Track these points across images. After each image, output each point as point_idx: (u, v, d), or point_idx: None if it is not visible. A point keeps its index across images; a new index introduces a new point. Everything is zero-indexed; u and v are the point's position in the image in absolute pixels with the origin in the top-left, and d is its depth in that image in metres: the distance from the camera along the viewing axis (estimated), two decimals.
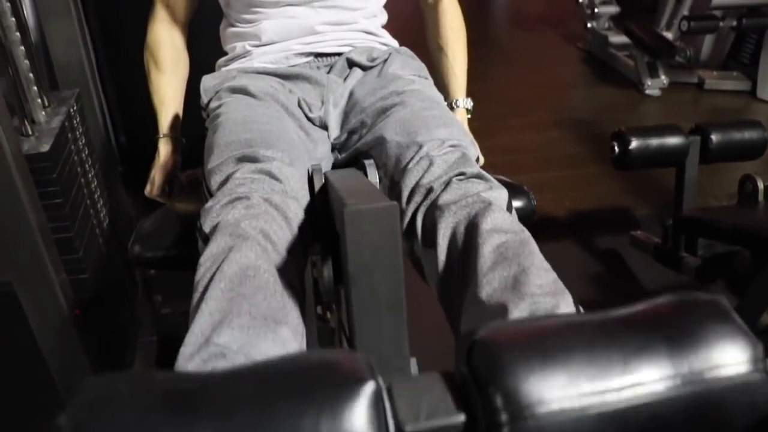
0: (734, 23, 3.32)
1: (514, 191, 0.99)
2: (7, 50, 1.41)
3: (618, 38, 3.91)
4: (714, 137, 1.93)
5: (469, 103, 1.35)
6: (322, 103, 1.16)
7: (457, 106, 1.34)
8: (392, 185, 0.97)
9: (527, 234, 0.82)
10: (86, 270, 1.55)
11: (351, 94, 1.18)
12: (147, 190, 1.22)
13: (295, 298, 0.77)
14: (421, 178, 0.92)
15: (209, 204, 0.86)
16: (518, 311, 0.71)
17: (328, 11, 1.21)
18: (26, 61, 1.46)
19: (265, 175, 0.89)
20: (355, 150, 1.10)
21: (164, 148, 1.24)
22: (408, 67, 1.21)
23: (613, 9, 4.04)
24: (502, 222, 0.82)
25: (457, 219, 0.85)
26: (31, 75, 1.47)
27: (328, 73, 1.21)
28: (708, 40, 3.83)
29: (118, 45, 2.09)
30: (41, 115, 1.48)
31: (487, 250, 0.78)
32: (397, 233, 0.65)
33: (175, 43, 1.29)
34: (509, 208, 0.90)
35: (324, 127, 1.16)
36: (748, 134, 1.97)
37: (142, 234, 1.05)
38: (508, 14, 5.17)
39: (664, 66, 3.63)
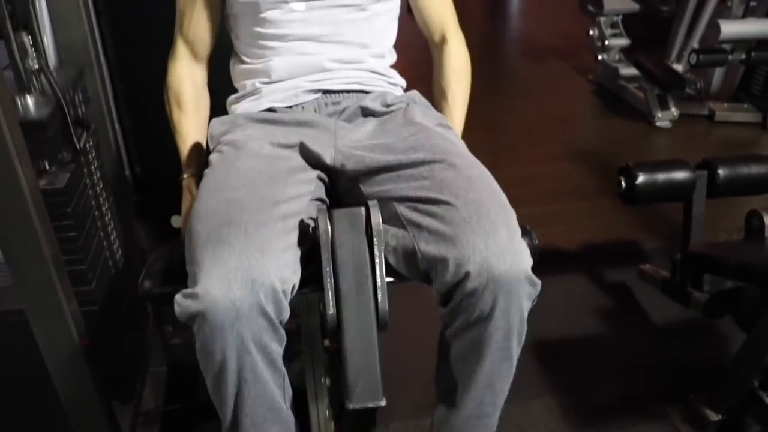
0: (743, 56, 3.33)
1: None
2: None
3: (628, 70, 3.94)
4: (721, 172, 1.94)
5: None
6: (333, 146, 1.17)
7: None
8: (429, 259, 1.01)
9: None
10: (97, 302, 1.57)
11: (370, 138, 1.19)
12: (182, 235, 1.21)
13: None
14: (460, 285, 0.98)
15: (188, 290, 0.93)
16: None
17: (336, 47, 1.24)
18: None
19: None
20: (368, 194, 1.12)
21: (191, 188, 1.26)
22: (429, 117, 1.23)
23: (623, 41, 4.08)
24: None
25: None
26: None
27: (339, 116, 1.24)
28: (718, 73, 3.84)
29: (133, 74, 2.13)
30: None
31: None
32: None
33: (196, 81, 1.32)
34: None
35: (331, 166, 1.17)
36: (755, 169, 1.97)
37: (152, 270, 1.07)
38: (520, 46, 5.22)
39: (674, 98, 3.65)
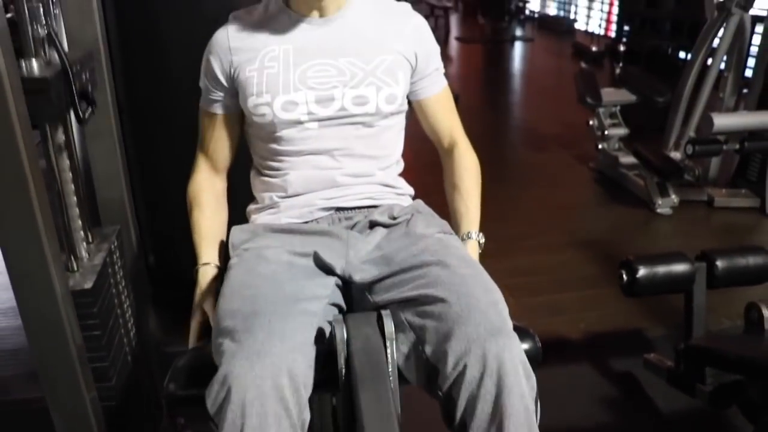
0: (737, 146, 3.45)
1: (520, 334, 1.08)
2: (60, 189, 1.55)
3: (628, 159, 4.06)
4: (719, 264, 2.01)
5: (482, 238, 1.41)
6: (344, 258, 1.26)
7: (469, 238, 1.40)
8: (435, 353, 1.08)
9: None
10: (116, 397, 1.63)
11: (377, 250, 1.28)
12: (192, 328, 1.29)
13: None
14: (460, 379, 1.04)
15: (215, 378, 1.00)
16: None
17: (347, 160, 1.34)
18: (75, 198, 1.60)
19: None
20: (376, 301, 1.19)
21: (204, 277, 1.33)
22: (432, 226, 1.32)
23: (622, 131, 4.22)
24: None
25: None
26: (77, 212, 1.60)
27: (351, 229, 1.33)
28: (715, 160, 3.96)
29: (154, 178, 2.24)
30: (84, 251, 1.60)
31: None
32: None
33: (216, 190, 1.43)
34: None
35: (341, 276, 1.25)
36: (753, 260, 2.04)
37: (176, 373, 1.13)
38: (522, 135, 5.38)
39: (673, 185, 3.75)
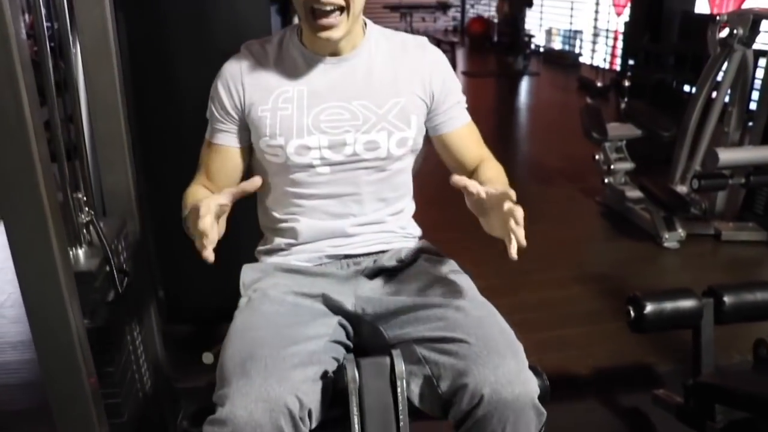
0: (743, 180, 3.46)
1: None
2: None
3: (634, 193, 4.07)
4: (727, 300, 2.01)
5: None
6: (353, 295, 1.29)
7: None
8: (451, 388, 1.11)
9: None
10: None
11: (386, 287, 1.31)
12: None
13: None
14: (473, 412, 1.08)
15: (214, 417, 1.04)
16: None
17: (358, 206, 1.36)
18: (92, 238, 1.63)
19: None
20: (390, 337, 1.22)
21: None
22: (440, 265, 1.34)
23: (628, 165, 4.24)
24: None
25: None
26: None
27: (360, 274, 1.35)
28: (721, 193, 3.96)
29: (164, 222, 2.27)
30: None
31: None
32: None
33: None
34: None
35: (353, 312, 1.28)
36: (761, 296, 2.04)
37: (190, 411, 1.15)
38: (529, 169, 5.41)
39: (680, 219, 3.76)
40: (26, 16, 1.30)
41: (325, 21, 1.20)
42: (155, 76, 2.26)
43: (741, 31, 3.59)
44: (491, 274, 3.16)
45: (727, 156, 3.40)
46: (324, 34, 1.22)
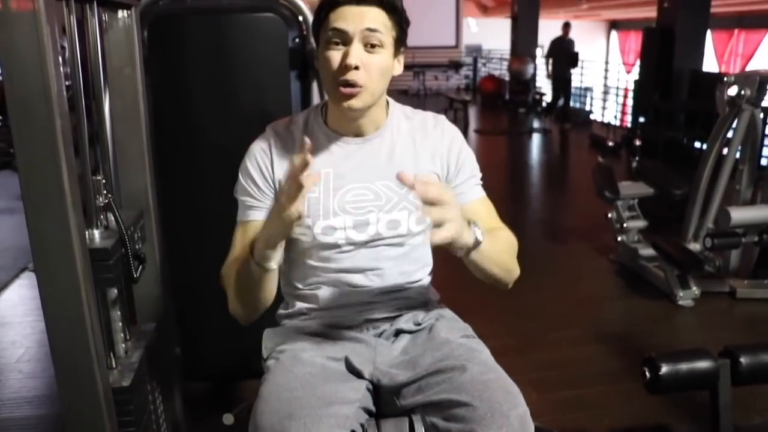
0: (756, 239, 3.48)
1: None
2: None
3: (648, 251, 4.08)
4: (743, 360, 2.01)
5: (481, 236, 1.23)
6: (372, 363, 1.33)
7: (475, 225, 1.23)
8: None
9: None
10: None
11: (403, 355, 1.35)
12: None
13: None
14: None
15: None
16: None
17: (379, 279, 1.40)
18: (115, 298, 1.67)
19: None
20: (403, 405, 1.26)
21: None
22: (455, 330, 1.38)
23: (641, 223, 4.26)
24: None
25: None
26: (119, 312, 1.67)
27: (378, 336, 1.39)
28: (735, 251, 3.97)
29: (183, 282, 2.31)
30: (122, 348, 1.67)
31: None
32: None
33: None
34: None
35: (369, 381, 1.31)
36: None
37: None
38: (542, 227, 5.45)
39: (694, 277, 3.76)
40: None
41: (347, 90, 1.25)
42: (178, 134, 2.33)
43: (749, 92, 3.66)
44: (506, 333, 3.18)
45: (739, 215, 3.43)
46: (346, 104, 1.27)
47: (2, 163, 6.85)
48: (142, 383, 1.66)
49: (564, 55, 10.88)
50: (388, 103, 1.41)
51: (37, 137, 1.23)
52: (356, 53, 1.23)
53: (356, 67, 1.23)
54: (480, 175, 1.46)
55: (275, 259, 1.24)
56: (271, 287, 1.29)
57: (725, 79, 3.81)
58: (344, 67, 1.23)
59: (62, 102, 1.23)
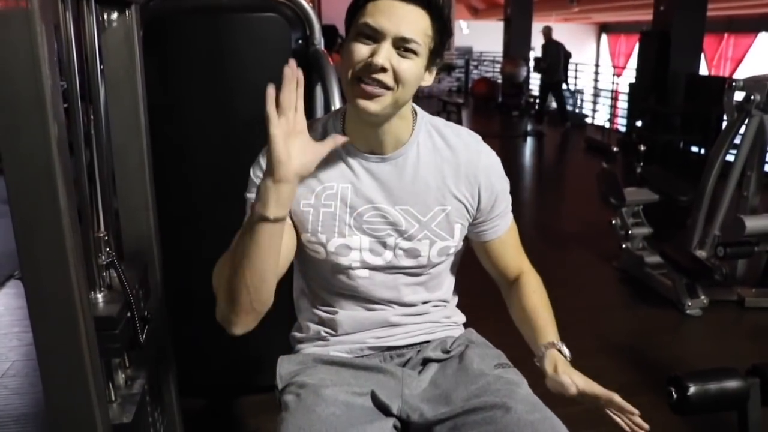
0: None
1: None
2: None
3: (653, 258, 4.01)
4: None
5: (564, 347, 1.28)
6: (400, 396, 1.21)
7: (553, 346, 1.26)
8: None
9: None
10: None
11: (433, 387, 1.23)
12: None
13: None
14: None
15: None
16: None
17: (398, 303, 1.30)
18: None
19: None
20: None
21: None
22: (488, 358, 1.27)
23: (646, 230, 4.19)
24: None
25: None
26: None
27: (403, 366, 1.28)
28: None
29: (180, 304, 2.20)
30: (122, 378, 1.54)
31: None
32: None
33: None
34: None
35: (398, 417, 1.20)
36: None
37: None
38: (541, 233, 5.33)
39: (702, 286, 3.68)
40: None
41: (368, 88, 1.12)
42: (174, 142, 2.22)
43: (758, 97, 3.59)
44: (512, 348, 3.06)
45: (753, 224, 3.36)
46: (362, 103, 1.13)
47: None
48: (144, 416, 1.54)
49: (557, 59, 10.89)
50: (416, 114, 1.28)
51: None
52: (385, 53, 1.11)
53: (383, 69, 1.11)
54: (510, 198, 1.37)
55: (279, 204, 1.03)
56: (273, 259, 1.07)
57: (733, 83, 3.74)
58: (369, 65, 1.11)
59: (58, 109, 1.10)
